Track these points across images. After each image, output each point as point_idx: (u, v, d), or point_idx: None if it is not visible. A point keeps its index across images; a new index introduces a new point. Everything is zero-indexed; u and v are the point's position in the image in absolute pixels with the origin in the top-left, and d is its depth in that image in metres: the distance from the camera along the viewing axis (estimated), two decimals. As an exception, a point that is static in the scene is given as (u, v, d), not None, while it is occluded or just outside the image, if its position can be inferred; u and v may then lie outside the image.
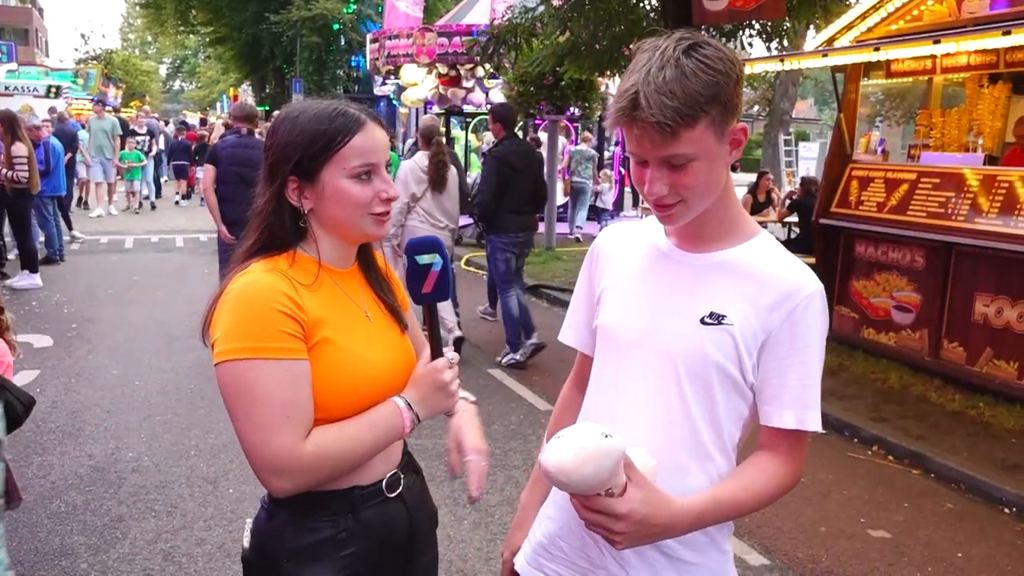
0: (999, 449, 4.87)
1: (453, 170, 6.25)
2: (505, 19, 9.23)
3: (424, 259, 1.47)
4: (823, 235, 6.93)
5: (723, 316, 1.36)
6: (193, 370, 6.11)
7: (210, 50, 43.89)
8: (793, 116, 20.86)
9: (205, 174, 6.81)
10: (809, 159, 21.14)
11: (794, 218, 9.46)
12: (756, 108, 24.98)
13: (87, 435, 4.82)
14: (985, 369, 5.64)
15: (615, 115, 1.29)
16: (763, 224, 10.51)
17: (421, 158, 6.13)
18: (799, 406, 1.35)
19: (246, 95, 40.76)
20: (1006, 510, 4.29)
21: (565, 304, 9.02)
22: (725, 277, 1.38)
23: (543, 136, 12.96)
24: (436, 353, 1.51)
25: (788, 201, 10.16)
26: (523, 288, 6.66)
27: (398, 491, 1.56)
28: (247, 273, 1.41)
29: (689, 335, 1.37)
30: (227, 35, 34.59)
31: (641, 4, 8.63)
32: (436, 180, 6.00)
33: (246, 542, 1.53)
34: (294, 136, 1.43)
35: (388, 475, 1.54)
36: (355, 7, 30.60)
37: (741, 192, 13.39)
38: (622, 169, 17.04)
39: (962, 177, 5.86)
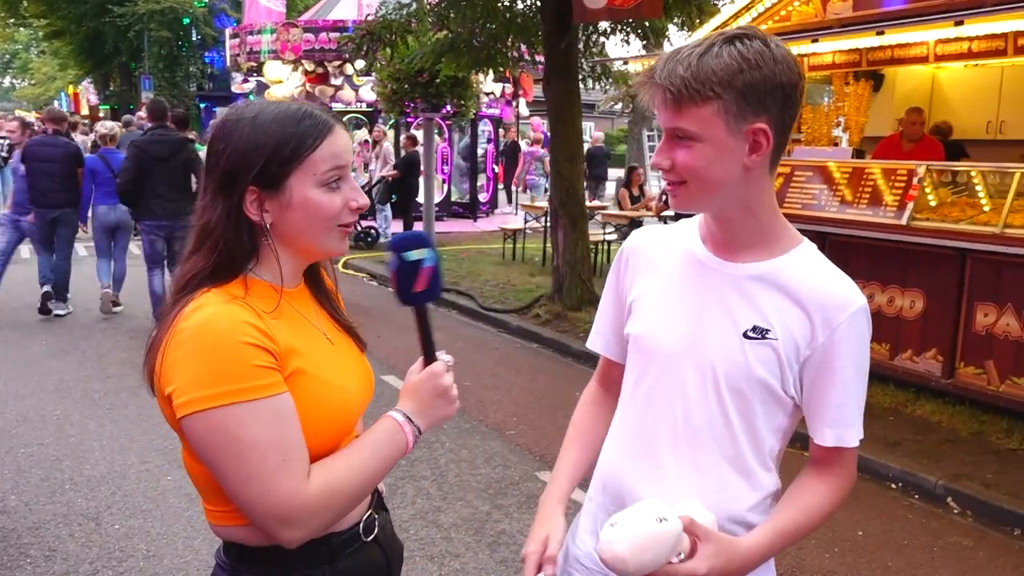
0: (879, 427, 5.14)
1: None
2: (379, 15, 9.00)
3: (414, 255, 1.33)
4: (704, 228, 7.12)
5: (767, 331, 1.33)
6: (57, 394, 5.59)
7: (45, 44, 40.78)
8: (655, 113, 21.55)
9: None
10: (672, 154, 21.84)
11: (670, 212, 9.73)
12: (620, 106, 25.68)
13: (-62, 475, 4.31)
14: (860, 352, 5.96)
15: (639, 80, 1.32)
16: (639, 218, 10.81)
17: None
18: (840, 424, 1.35)
19: (88, 93, 38.15)
20: (893, 485, 4.54)
21: (450, 305, 8.93)
22: (767, 289, 1.34)
23: (419, 134, 12.75)
24: (429, 357, 1.39)
25: (665, 196, 10.45)
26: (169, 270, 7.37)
27: (374, 533, 1.43)
28: (200, 307, 1.21)
29: (732, 349, 1.34)
30: (64, 28, 32.17)
31: (517, 1, 8.61)
32: None
33: None
34: (257, 139, 1.25)
35: (364, 517, 1.41)
36: (207, 1, 29.23)
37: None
38: (495, 167, 17.09)
39: (833, 170, 6.17)
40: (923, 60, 5.85)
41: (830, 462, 1.39)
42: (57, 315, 7.85)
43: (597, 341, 1.60)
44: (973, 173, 5.57)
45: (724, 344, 1.34)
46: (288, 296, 1.33)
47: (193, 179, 6.92)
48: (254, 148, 1.25)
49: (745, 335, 1.33)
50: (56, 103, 43.20)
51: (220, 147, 1.28)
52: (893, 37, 5.25)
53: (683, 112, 1.25)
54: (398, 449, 1.33)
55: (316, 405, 1.26)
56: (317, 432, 1.26)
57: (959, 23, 4.97)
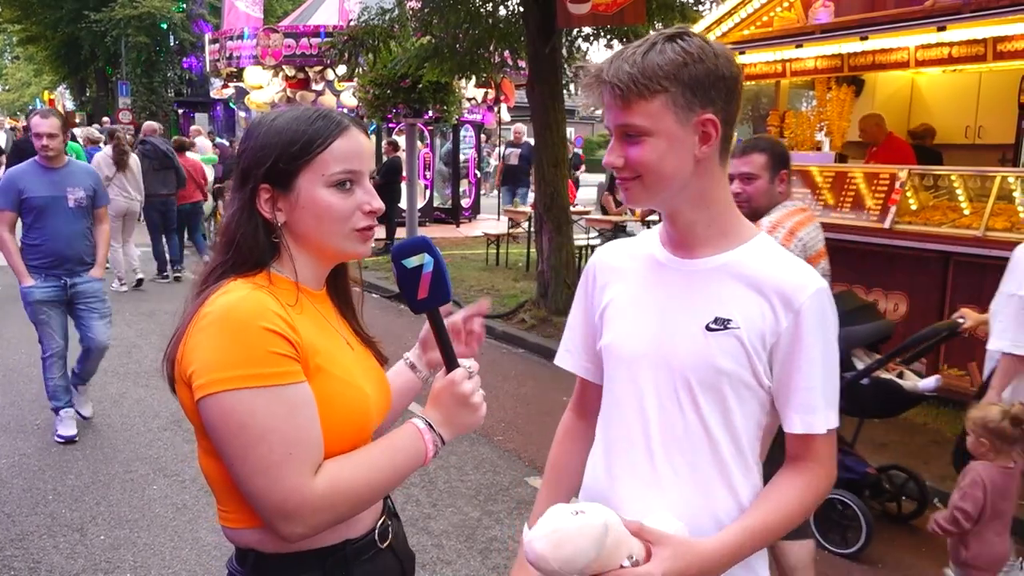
0: (865, 429, 5.11)
1: (134, 157, 9.52)
2: (361, 21, 8.97)
3: (412, 261, 1.32)
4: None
5: (728, 320, 1.32)
6: (38, 404, 5.49)
7: (19, 50, 40.30)
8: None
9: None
10: (652, 159, 21.88)
11: (655, 216, 9.75)
12: (601, 111, 25.79)
13: (-83, 487, 4.22)
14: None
15: (586, 80, 1.33)
16: (623, 222, 10.84)
17: (108, 149, 9.36)
18: (807, 409, 1.32)
19: (63, 99, 37.75)
20: (880, 487, 4.56)
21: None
22: (726, 280, 1.34)
23: (401, 140, 12.73)
24: (451, 364, 1.37)
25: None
26: None
27: (388, 540, 1.41)
28: (226, 292, 1.23)
29: (696, 344, 1.33)
30: (40, 34, 31.76)
31: (503, 5, 8.61)
32: (119, 163, 9.19)
33: None
34: (270, 138, 1.29)
35: (379, 524, 1.40)
36: (185, 6, 29.02)
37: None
38: (477, 172, 17.08)
39: (816, 174, 6.21)
40: (904, 65, 5.91)
41: (802, 454, 1.36)
42: None
43: (566, 358, 1.60)
44: (954, 177, 5.63)
45: (688, 340, 1.34)
46: (311, 297, 1.35)
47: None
48: (266, 146, 1.29)
49: (707, 327, 1.33)
50: (31, 109, 42.64)
51: (242, 148, 1.33)
52: (875, 42, 5.30)
53: (632, 108, 1.27)
54: (416, 457, 1.31)
55: (334, 404, 1.26)
56: (333, 432, 1.25)
57: (942, 28, 5.03)
